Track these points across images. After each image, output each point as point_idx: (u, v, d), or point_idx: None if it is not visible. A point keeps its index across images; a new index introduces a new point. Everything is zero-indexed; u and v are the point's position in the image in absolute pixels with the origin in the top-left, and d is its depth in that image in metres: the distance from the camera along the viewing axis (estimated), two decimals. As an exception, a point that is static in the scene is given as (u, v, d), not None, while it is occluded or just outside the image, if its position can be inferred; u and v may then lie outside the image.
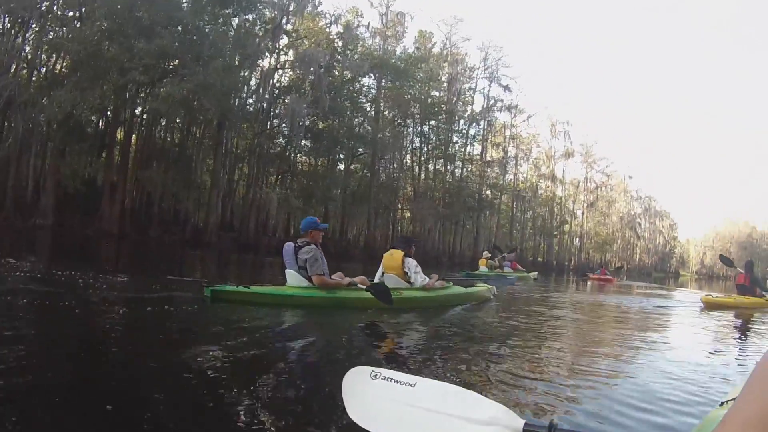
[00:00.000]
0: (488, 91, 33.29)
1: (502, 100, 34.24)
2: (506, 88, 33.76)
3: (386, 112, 25.82)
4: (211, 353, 2.44)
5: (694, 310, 7.83)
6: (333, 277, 4.52)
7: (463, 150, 32.44)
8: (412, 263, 5.16)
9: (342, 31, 23.38)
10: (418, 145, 29.30)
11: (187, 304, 4.00)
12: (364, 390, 1.10)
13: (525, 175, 43.70)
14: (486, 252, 16.45)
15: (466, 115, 31.72)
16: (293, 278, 4.34)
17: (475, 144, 33.70)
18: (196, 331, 3.29)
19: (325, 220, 19.66)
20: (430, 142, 29.67)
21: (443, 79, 29.63)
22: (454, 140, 31.55)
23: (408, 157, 28.66)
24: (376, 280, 5.02)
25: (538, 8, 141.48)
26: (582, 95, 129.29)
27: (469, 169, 33.60)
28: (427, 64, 27.88)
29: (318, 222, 4.52)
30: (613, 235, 58.49)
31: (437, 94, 29.24)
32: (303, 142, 22.12)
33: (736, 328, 6.34)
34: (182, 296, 4.37)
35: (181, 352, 2.45)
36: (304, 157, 23.54)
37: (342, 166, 24.27)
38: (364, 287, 4.44)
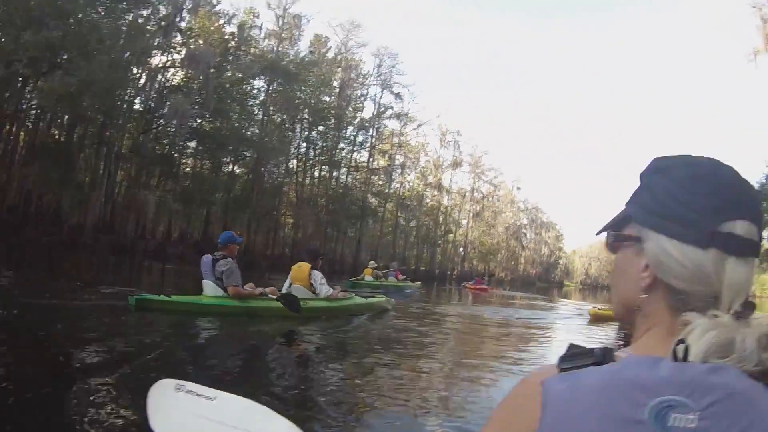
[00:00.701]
0: (380, 98, 40.69)
1: (392, 108, 41.93)
2: (397, 95, 41.68)
3: (275, 116, 31.04)
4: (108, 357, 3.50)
5: (581, 322, 10.07)
6: (245, 287, 5.97)
7: (349, 157, 39.19)
8: (317, 275, 6.85)
9: (235, 31, 28.01)
10: (304, 150, 35.05)
11: (114, 312, 5.32)
12: (168, 403, 1.36)
13: (411, 184, 52.47)
14: (372, 262, 21.48)
15: (355, 122, 38.56)
16: (210, 289, 5.78)
17: (363, 151, 40.92)
18: (115, 337, 4.26)
19: (206, 225, 24.48)
20: (317, 147, 35.67)
21: (335, 84, 35.89)
22: (341, 146, 38.12)
23: (294, 162, 34.25)
24: (283, 291, 6.56)
25: (440, 17, 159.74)
26: (476, 106, 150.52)
27: (355, 176, 40.45)
28: (320, 69, 33.89)
29: (234, 236, 6.14)
30: (498, 245, 71.58)
31: (328, 99, 35.44)
32: (188, 143, 26.35)
33: (619, 338, 8.00)
34: (105, 304, 5.69)
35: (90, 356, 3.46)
36: (188, 160, 27.60)
37: (227, 170, 28.91)
38: (275, 297, 6.06)
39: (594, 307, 11.41)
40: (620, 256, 0.64)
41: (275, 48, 30.97)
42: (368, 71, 39.00)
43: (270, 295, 6.16)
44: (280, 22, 31.08)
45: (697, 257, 0.55)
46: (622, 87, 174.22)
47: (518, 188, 73.96)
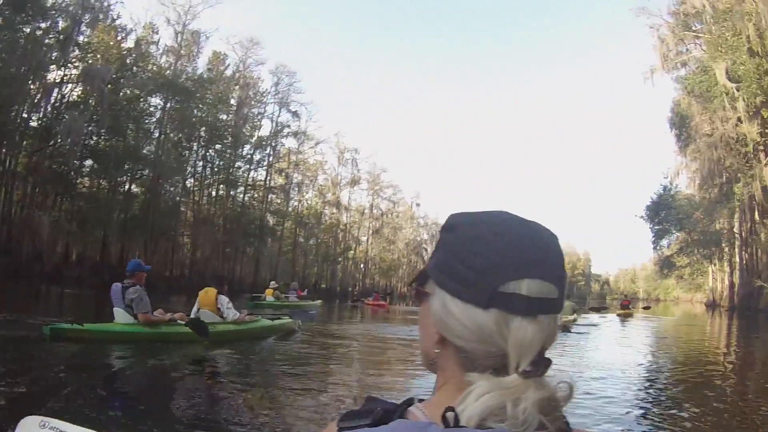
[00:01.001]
0: (277, 116, 44.28)
1: (289, 126, 45.65)
2: (295, 114, 45.58)
3: (172, 134, 33.35)
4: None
5: None
6: (155, 313, 6.81)
7: (246, 175, 42.18)
8: (224, 300, 8.00)
9: (132, 47, 30.16)
10: (201, 169, 37.52)
11: (27, 342, 5.88)
12: None
13: (310, 202, 56.27)
14: (272, 282, 23.01)
15: (252, 140, 41.67)
16: (121, 316, 6.60)
17: (260, 169, 44.13)
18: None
19: (104, 246, 26.38)
20: (214, 166, 38.29)
21: (233, 102, 38.92)
22: (238, 165, 41.00)
23: (191, 180, 36.58)
24: (192, 316, 7.49)
25: (342, 37, 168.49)
26: (377, 124, 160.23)
27: (253, 195, 43.41)
28: (218, 86, 36.77)
29: (142, 264, 6.99)
30: (399, 261, 77.07)
31: (225, 117, 38.32)
32: (85, 162, 27.87)
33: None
34: (18, 335, 6.25)
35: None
36: (85, 179, 28.92)
37: (124, 189, 30.63)
38: (184, 322, 6.95)
39: None
40: (422, 308, 0.68)
41: (173, 65, 33.34)
42: (266, 89, 42.50)
43: (179, 321, 7.10)
44: (179, 39, 33.57)
45: (477, 317, 0.59)
46: (523, 102, 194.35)
47: (417, 204, 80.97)
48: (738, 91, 25.72)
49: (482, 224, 0.63)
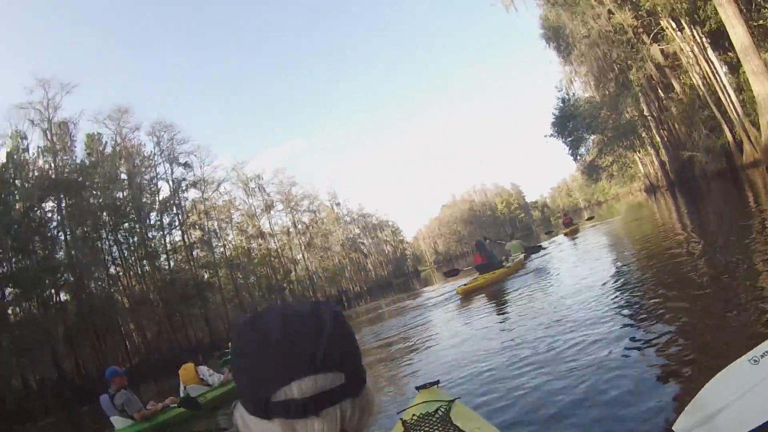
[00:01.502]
0: (171, 173, 44.54)
1: (184, 179, 46.01)
2: (185, 165, 45.97)
3: (77, 230, 33.35)
4: None
5: (454, 304, 11.52)
6: (147, 407, 7.54)
7: (163, 242, 42.38)
8: (204, 369, 8.96)
9: (5, 160, 29.96)
10: (117, 253, 37.60)
11: None
12: None
13: (234, 243, 56.83)
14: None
15: (156, 206, 41.90)
16: (119, 422, 7.21)
17: (174, 231, 44.17)
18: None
19: (56, 364, 26.57)
20: (130, 245, 38.48)
21: (123, 176, 39.03)
22: (152, 235, 41.25)
23: (113, 268, 36.65)
24: (181, 394, 8.27)
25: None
26: (267, 141, 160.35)
27: (176, 258, 43.72)
28: (103, 168, 36.80)
29: (117, 369, 7.60)
30: (341, 263, 78.96)
31: (121, 194, 38.40)
32: (5, 291, 27.65)
33: (496, 303, 10.03)
34: None
35: None
36: (11, 307, 28.56)
37: (54, 302, 30.53)
38: (176, 404, 7.60)
39: (459, 286, 12.90)
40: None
41: (52, 163, 33.23)
42: (151, 151, 42.73)
43: (171, 405, 7.74)
44: (49, 135, 33.37)
45: (268, 428, 0.61)
46: (409, 60, 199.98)
47: (337, 204, 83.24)
48: None
49: (249, 330, 0.66)
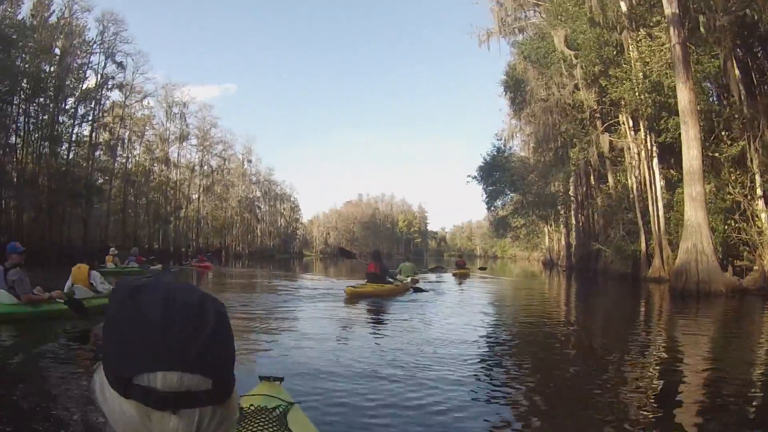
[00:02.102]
0: (103, 67, 43.38)
1: (113, 78, 44.92)
2: (119, 65, 44.96)
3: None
4: None
5: (338, 303, 11.76)
6: (34, 291, 7.86)
7: (71, 131, 41.29)
8: (97, 276, 9.12)
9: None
10: (23, 125, 36.28)
11: None
12: None
13: (138, 159, 55.68)
14: (112, 249, 23.96)
15: (76, 93, 40.70)
16: (4, 297, 7.57)
17: (85, 125, 43.08)
18: None
19: None
20: (38, 122, 37.24)
21: (56, 51, 37.71)
22: (62, 120, 39.99)
23: (13, 138, 35.35)
24: (65, 290, 8.52)
25: None
26: (211, 76, 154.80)
27: (77, 152, 42.62)
28: (40, 35, 35.44)
29: (16, 246, 7.82)
30: (232, 219, 78.96)
31: (48, 68, 37.15)
32: None
33: (373, 317, 10.44)
34: None
35: None
36: None
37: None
38: (62, 300, 8.03)
39: (349, 286, 13.08)
40: None
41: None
42: (92, 38, 41.44)
43: (57, 299, 8.14)
44: (-1, -18, 31.74)
45: (124, 406, 0.58)
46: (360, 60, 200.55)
47: (249, 161, 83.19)
48: (576, 58, 26.05)
49: (128, 301, 0.62)
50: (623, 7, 22.53)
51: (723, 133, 19.94)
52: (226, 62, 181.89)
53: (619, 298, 18.57)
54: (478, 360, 6.41)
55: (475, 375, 5.57)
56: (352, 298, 12.47)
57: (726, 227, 19.16)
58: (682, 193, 22.88)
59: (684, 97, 16.39)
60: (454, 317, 10.17)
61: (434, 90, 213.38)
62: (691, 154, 16.51)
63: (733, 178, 19.50)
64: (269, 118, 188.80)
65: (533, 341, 8.28)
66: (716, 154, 19.61)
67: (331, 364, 5.90)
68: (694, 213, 16.59)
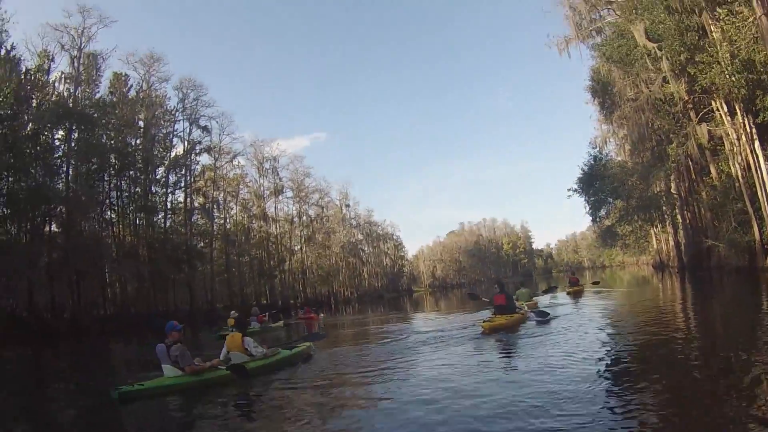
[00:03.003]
0: (188, 133, 44.54)
1: (200, 143, 45.95)
2: (205, 129, 45.96)
3: (81, 166, 33.20)
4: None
5: (479, 341, 11.17)
6: (195, 362, 8.59)
7: (164, 200, 42.24)
8: (250, 341, 9.73)
9: (25, 77, 29.84)
10: (116, 199, 37.42)
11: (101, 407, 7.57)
12: None
13: (235, 219, 56.63)
14: (233, 312, 23.70)
15: (165, 162, 41.78)
16: (169, 371, 8.38)
17: (178, 192, 44.13)
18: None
19: (29, 296, 26.27)
20: (130, 194, 38.32)
21: (140, 124, 38.97)
22: (154, 190, 41.06)
23: (108, 213, 36.47)
24: (221, 358, 9.34)
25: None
26: (293, 129, 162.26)
27: (174, 219, 43.50)
28: (122, 110, 36.81)
29: (175, 325, 8.72)
30: (337, 265, 78.62)
31: (134, 142, 38.36)
32: None
33: (521, 344, 10.32)
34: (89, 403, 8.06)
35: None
36: None
37: (42, 232, 30.25)
38: (224, 367, 8.78)
39: (485, 321, 12.65)
40: None
41: (73, 92, 33.21)
42: (173, 107, 42.76)
43: (219, 366, 8.92)
44: (76, 64, 33.39)
45: None
46: (444, 86, 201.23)
47: (347, 205, 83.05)
48: (660, 50, 25.28)
49: None
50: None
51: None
52: (313, 112, 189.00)
53: (740, 294, 17.40)
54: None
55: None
56: (490, 332, 12.00)
57: None
58: None
59: None
60: (575, 342, 9.50)
61: (519, 108, 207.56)
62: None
63: None
64: (362, 161, 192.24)
65: (660, 360, 7.45)
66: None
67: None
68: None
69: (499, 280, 16.24)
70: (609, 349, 8.79)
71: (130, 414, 7.39)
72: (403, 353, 10.47)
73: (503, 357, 9.48)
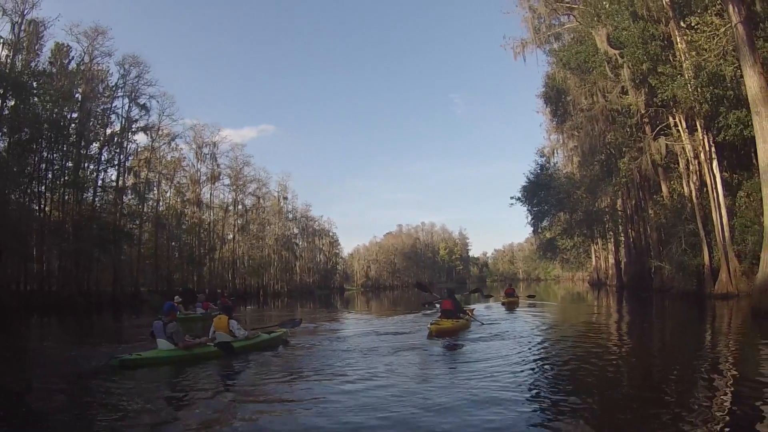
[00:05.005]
0: (127, 110, 43.97)
1: (137, 121, 45.42)
2: (143, 107, 45.41)
3: (12, 135, 32.44)
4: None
5: (425, 343, 11.94)
6: (186, 338, 10.20)
7: (95, 177, 41.77)
8: (234, 323, 11.28)
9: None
10: (44, 173, 36.68)
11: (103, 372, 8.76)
12: None
13: (169, 202, 56.08)
14: (177, 297, 23.08)
15: (101, 138, 41.19)
16: (164, 345, 9.89)
17: (111, 170, 43.62)
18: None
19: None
20: (61, 168, 37.66)
21: (78, 97, 38.33)
22: (86, 166, 40.36)
23: (37, 186, 35.73)
24: (210, 336, 10.93)
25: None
26: (238, 116, 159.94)
27: (103, 197, 42.97)
28: (60, 81, 36.11)
29: (174, 305, 10.58)
30: (269, 258, 78.63)
31: (70, 115, 37.75)
32: None
33: (464, 346, 11.25)
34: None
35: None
36: None
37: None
38: (213, 344, 10.50)
39: (433, 324, 13.56)
40: None
41: (10, 58, 32.43)
42: (114, 83, 42.17)
43: (208, 343, 10.58)
44: (17, 30, 32.64)
45: None
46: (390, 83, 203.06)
47: (285, 198, 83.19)
48: (622, 57, 24.70)
49: None
50: (666, -4, 20.80)
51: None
52: (263, 104, 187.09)
53: (688, 320, 17.30)
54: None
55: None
56: (437, 335, 12.83)
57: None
58: (746, 196, 22.56)
59: (754, 83, 14.62)
60: (508, 353, 10.07)
61: (471, 113, 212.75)
62: (768, 149, 14.40)
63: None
64: (307, 156, 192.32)
65: (588, 375, 7.93)
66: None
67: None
68: (776, 217, 14.63)
69: (450, 289, 16.45)
70: (541, 359, 9.54)
71: (129, 378, 8.49)
72: (332, 355, 10.68)
73: (442, 362, 9.99)
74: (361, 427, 5.38)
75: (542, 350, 10.72)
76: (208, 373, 9.08)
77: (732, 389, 6.66)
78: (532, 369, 8.35)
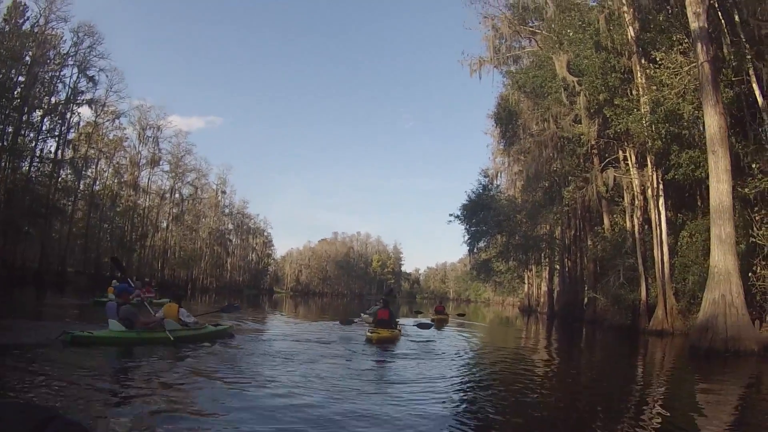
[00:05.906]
0: (75, 81, 42.03)
1: (83, 92, 43.52)
2: (92, 79, 43.53)
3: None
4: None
5: (360, 344, 12.73)
6: (140, 317, 10.44)
7: (33, 145, 39.58)
8: (184, 312, 11.47)
9: None
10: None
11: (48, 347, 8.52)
12: None
13: (106, 182, 53.76)
14: (114, 281, 22.32)
15: (44, 106, 39.17)
16: (114, 326, 10.00)
17: (50, 140, 41.45)
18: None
19: None
20: (1, 133, 35.50)
21: (27, 60, 36.36)
22: (25, 133, 38.22)
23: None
24: (158, 316, 10.94)
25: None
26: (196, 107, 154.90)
27: (39, 168, 40.71)
28: (11, 41, 34.20)
29: (127, 287, 11.21)
30: (201, 251, 76.57)
31: (16, 78, 35.72)
32: None
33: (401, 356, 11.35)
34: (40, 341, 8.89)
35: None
36: None
37: None
38: (163, 331, 10.44)
39: (373, 332, 13.89)
40: None
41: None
42: (66, 51, 40.30)
43: (157, 326, 10.71)
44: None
45: None
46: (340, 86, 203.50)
47: (223, 192, 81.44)
48: (580, 85, 24.46)
49: None
50: (631, 32, 21.81)
51: (753, 165, 17.71)
52: (214, 95, 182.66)
53: (622, 353, 17.43)
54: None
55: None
56: (377, 343, 13.13)
57: (751, 275, 17.03)
58: (688, 236, 22.68)
59: (713, 123, 14.87)
60: (434, 369, 9.94)
61: (419, 127, 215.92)
62: (721, 189, 14.64)
63: (758, 218, 17.68)
64: (251, 151, 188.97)
65: (509, 395, 8.12)
66: (745, 190, 17.38)
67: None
68: (722, 258, 14.58)
69: (385, 299, 16.47)
70: (466, 374, 9.95)
71: (79, 355, 8.60)
72: (251, 357, 10.23)
73: (370, 371, 9.68)
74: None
75: (469, 370, 10.84)
76: (155, 358, 9.30)
77: (659, 419, 6.71)
78: (459, 388, 8.24)
